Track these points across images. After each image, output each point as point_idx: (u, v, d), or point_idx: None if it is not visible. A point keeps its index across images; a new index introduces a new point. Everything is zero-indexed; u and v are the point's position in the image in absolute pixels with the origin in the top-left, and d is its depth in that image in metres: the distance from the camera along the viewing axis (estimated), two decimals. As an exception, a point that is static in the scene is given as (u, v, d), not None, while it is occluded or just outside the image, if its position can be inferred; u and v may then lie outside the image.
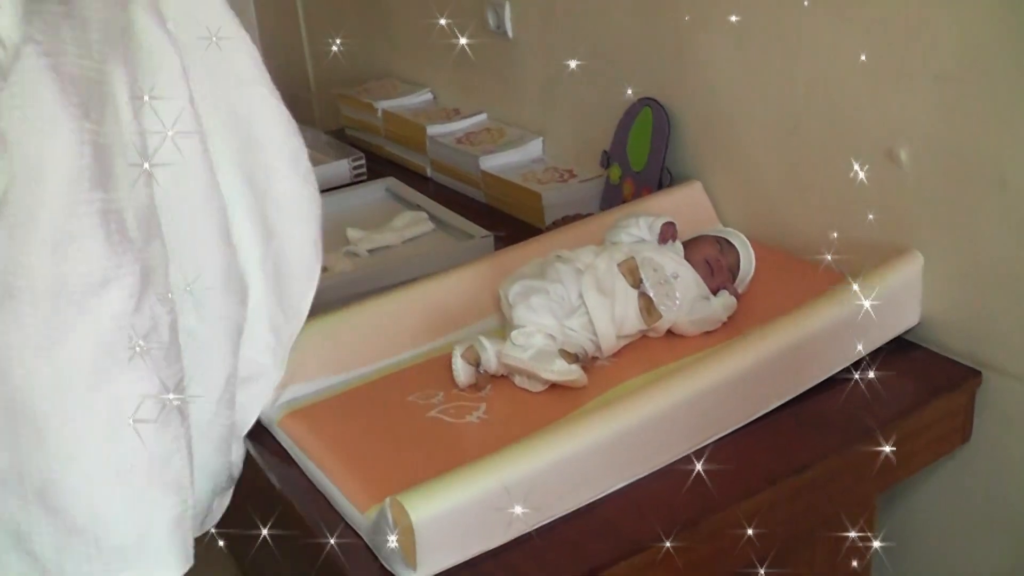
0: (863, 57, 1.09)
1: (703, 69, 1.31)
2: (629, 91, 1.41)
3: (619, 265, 1.11)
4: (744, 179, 1.31)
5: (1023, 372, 1.05)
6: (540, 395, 1.05)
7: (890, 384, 1.06)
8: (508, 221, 1.56)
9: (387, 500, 0.83)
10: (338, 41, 2.17)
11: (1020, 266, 1.02)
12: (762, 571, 0.96)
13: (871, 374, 1.07)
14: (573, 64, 1.52)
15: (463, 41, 1.74)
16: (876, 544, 1.14)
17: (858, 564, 1.14)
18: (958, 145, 1.03)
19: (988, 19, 0.97)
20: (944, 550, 1.18)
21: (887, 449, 1.01)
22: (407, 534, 0.81)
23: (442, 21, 1.77)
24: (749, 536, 0.94)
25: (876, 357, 1.09)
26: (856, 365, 1.07)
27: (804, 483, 0.97)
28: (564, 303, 1.08)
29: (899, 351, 1.11)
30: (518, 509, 0.86)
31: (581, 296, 1.08)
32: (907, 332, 1.12)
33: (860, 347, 1.08)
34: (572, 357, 1.05)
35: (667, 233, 1.16)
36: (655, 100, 1.39)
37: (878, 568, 1.17)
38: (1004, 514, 1.11)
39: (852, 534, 1.10)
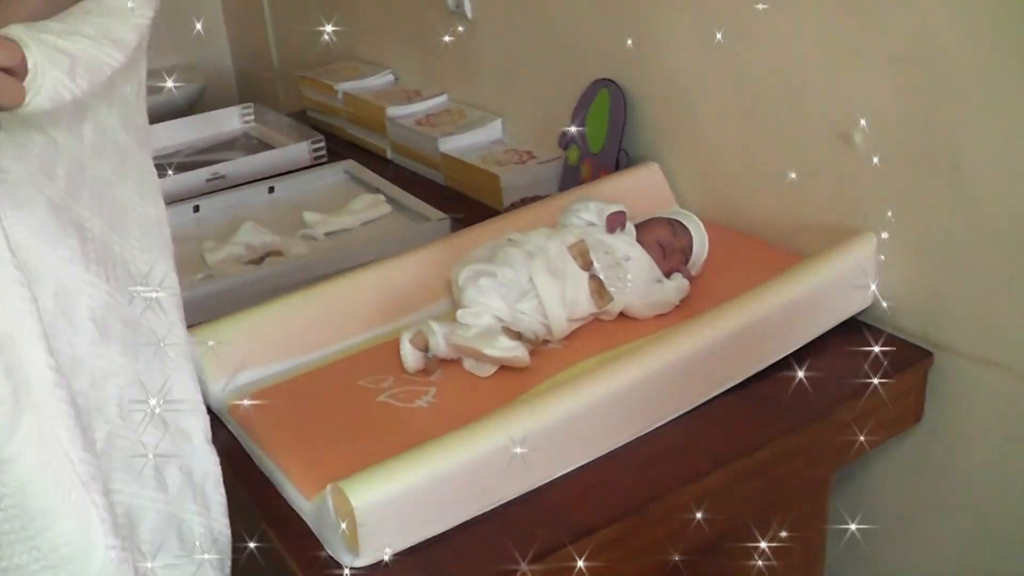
0: (819, 39, 1.09)
1: (660, 50, 1.30)
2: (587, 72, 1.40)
3: (570, 248, 1.10)
4: (701, 160, 1.31)
5: (974, 352, 1.05)
6: (490, 379, 1.04)
7: (843, 365, 1.06)
8: (468, 203, 1.55)
9: (329, 487, 0.82)
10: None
11: (972, 247, 1.02)
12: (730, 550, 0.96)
13: (824, 355, 1.07)
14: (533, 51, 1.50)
15: (429, 26, 1.73)
16: (831, 525, 1.14)
17: (812, 544, 1.14)
18: (912, 127, 1.03)
19: (942, 1, 0.97)
20: (898, 528, 1.18)
21: (841, 431, 1.01)
22: (349, 521, 0.81)
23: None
24: (699, 519, 0.94)
25: (829, 338, 1.09)
26: (809, 346, 1.07)
27: (755, 465, 0.97)
28: (514, 286, 1.07)
29: (852, 332, 1.11)
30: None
31: (531, 279, 1.07)
32: (860, 313, 1.12)
33: (813, 328, 1.08)
34: (516, 335, 1.04)
35: (614, 223, 1.14)
36: (612, 81, 1.38)
37: (832, 548, 1.17)
38: (957, 492, 1.11)
39: (806, 515, 1.10)
